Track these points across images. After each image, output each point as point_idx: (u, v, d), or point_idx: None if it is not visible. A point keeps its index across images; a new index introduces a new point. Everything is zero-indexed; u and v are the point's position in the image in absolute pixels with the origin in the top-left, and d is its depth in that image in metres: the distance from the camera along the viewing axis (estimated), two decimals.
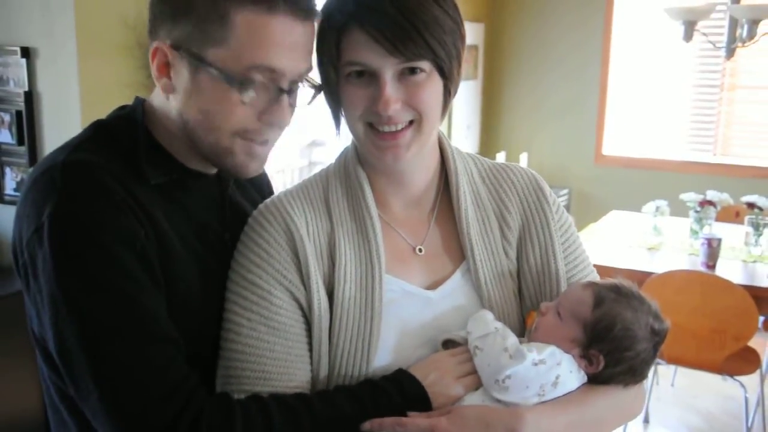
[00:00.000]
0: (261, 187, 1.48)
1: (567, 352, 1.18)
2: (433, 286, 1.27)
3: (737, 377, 3.35)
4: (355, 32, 1.14)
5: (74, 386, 1.08)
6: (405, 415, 1.13)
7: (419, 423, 1.12)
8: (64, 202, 1.07)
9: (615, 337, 1.18)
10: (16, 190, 3.04)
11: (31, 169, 2.96)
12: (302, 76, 1.19)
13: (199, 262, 1.21)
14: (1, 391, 2.78)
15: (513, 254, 1.31)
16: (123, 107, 1.27)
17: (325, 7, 1.20)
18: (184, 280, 1.17)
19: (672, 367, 4.14)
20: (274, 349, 1.17)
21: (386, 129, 1.17)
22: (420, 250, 1.29)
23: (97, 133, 1.21)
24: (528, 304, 1.30)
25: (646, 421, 3.99)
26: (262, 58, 1.12)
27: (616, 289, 1.22)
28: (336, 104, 1.22)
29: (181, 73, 1.15)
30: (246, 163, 1.20)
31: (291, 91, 1.18)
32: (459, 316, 1.25)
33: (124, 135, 1.20)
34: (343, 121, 1.25)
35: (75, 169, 1.10)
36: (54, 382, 1.19)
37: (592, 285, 1.24)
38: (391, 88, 1.15)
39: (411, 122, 1.19)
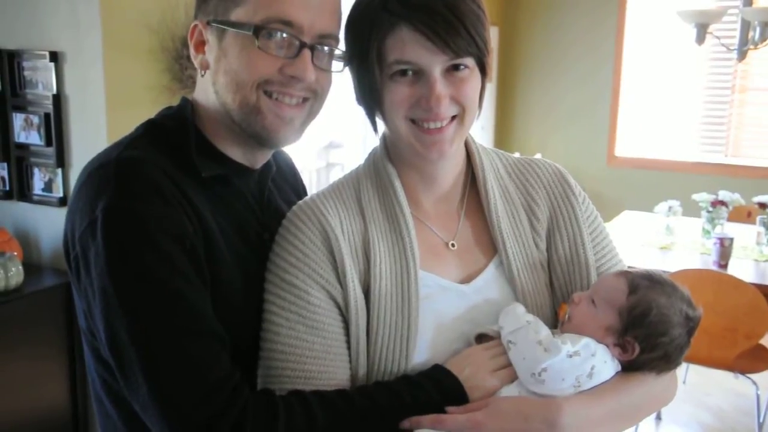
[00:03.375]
0: (297, 187, 1.51)
1: (601, 340, 1.19)
2: (466, 280, 1.28)
3: (749, 375, 3.37)
4: (404, 31, 1.14)
5: (124, 379, 1.09)
6: (443, 410, 1.13)
7: (458, 419, 1.12)
8: (118, 197, 1.08)
9: (651, 323, 1.18)
10: (44, 190, 3.10)
11: (59, 170, 3.03)
12: (326, 37, 1.20)
13: (241, 260, 1.22)
14: (31, 383, 2.84)
15: (543, 246, 1.32)
16: (170, 107, 1.30)
17: (362, 8, 1.20)
18: (227, 278, 1.18)
19: (684, 365, 4.16)
20: (314, 348, 1.18)
21: (432, 125, 1.19)
22: (452, 245, 1.30)
23: (149, 130, 1.24)
24: (559, 295, 1.31)
25: (658, 418, 4.02)
26: (278, 11, 1.15)
27: (650, 277, 1.23)
28: (375, 103, 1.22)
29: (212, 44, 1.21)
30: (276, 125, 1.21)
31: (315, 50, 1.19)
32: (493, 310, 1.25)
33: (174, 131, 1.23)
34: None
35: (128, 165, 1.12)
36: (100, 374, 1.21)
37: (625, 273, 1.26)
38: (440, 85, 1.16)
39: (453, 117, 1.20)
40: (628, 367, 1.21)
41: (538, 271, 1.30)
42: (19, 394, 2.78)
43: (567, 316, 1.24)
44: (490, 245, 1.31)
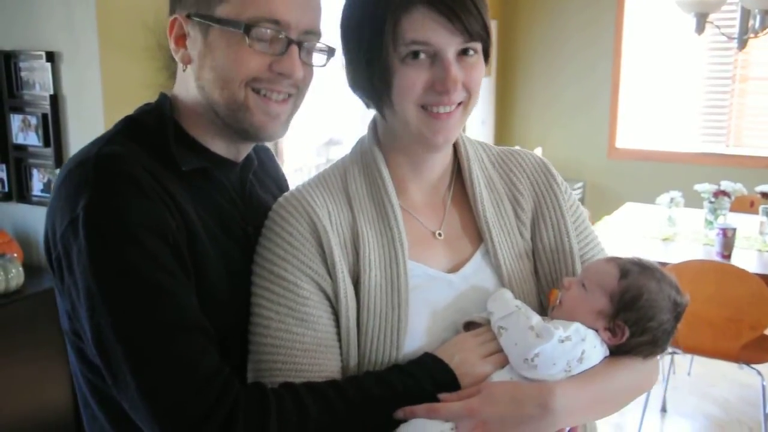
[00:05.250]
0: (279, 180, 1.49)
1: (592, 324, 1.21)
2: (453, 269, 1.28)
3: (754, 365, 3.36)
4: (421, 11, 1.13)
5: (112, 378, 1.08)
6: (435, 398, 1.14)
7: (452, 407, 1.13)
8: (99, 194, 1.07)
9: (641, 307, 1.21)
10: (43, 191, 3.09)
11: (57, 171, 3.02)
12: (310, 33, 1.20)
13: (225, 255, 1.21)
14: (33, 385, 2.83)
15: (528, 235, 1.33)
16: (148, 103, 1.29)
17: None
18: (211, 273, 1.18)
19: (688, 357, 4.15)
20: (304, 340, 1.17)
21: (442, 110, 1.18)
22: (439, 234, 1.30)
23: (127, 126, 1.22)
24: (543, 282, 1.32)
25: (664, 410, 4.01)
26: (266, 10, 1.15)
27: (639, 263, 1.26)
28: (384, 87, 1.19)
29: (195, 39, 1.19)
30: (264, 122, 1.21)
31: (302, 45, 1.19)
32: (480, 298, 1.26)
33: (153, 127, 1.22)
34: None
35: (108, 161, 1.11)
36: (85, 375, 1.20)
37: (615, 259, 1.28)
38: (455, 68, 1.16)
39: (458, 103, 1.20)
40: (616, 351, 1.23)
41: (524, 260, 1.32)
42: (21, 396, 2.78)
43: (558, 300, 1.26)
44: (476, 234, 1.32)
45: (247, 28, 1.14)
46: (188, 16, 1.19)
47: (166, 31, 1.23)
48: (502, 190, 1.35)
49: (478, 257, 1.30)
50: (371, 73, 1.19)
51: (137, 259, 1.06)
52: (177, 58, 1.23)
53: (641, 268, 1.25)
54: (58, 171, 2.93)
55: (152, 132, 1.21)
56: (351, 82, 1.26)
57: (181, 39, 1.22)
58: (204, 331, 1.10)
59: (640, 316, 1.21)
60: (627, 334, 1.21)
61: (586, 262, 1.34)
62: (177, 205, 1.14)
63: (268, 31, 1.16)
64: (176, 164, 1.18)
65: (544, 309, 1.29)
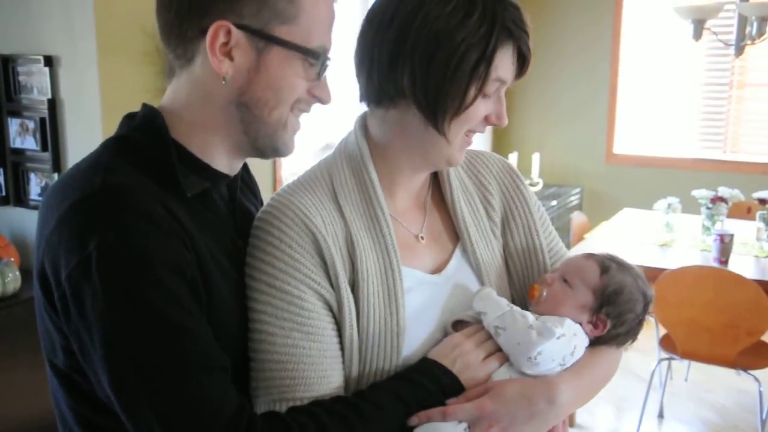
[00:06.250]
0: (254, 188, 1.46)
1: (576, 318, 1.27)
2: (436, 270, 1.32)
3: (751, 371, 3.37)
4: (509, 51, 1.19)
5: (134, 425, 1.04)
6: (443, 403, 1.17)
7: (466, 408, 1.16)
8: (111, 233, 1.00)
9: (622, 301, 1.29)
10: (40, 195, 3.09)
11: (55, 175, 3.02)
12: None
13: (227, 275, 1.17)
14: (31, 388, 2.81)
15: (499, 233, 1.39)
16: (131, 116, 1.19)
17: (478, 15, 1.16)
18: (220, 302, 1.14)
19: (686, 362, 4.16)
20: (311, 354, 1.16)
21: (472, 135, 1.27)
22: (421, 238, 1.33)
23: (123, 149, 1.14)
24: (515, 279, 1.38)
25: (661, 416, 4.01)
26: (326, 39, 1.15)
27: (614, 259, 1.34)
28: (459, 111, 1.19)
29: (246, 53, 1.11)
30: (291, 139, 1.21)
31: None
32: (464, 296, 1.30)
33: (150, 148, 1.14)
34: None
35: (117, 195, 1.04)
36: (73, 408, 1.16)
37: (593, 255, 1.35)
38: None
39: None
40: (596, 342, 1.30)
41: (498, 258, 1.37)
42: (19, 399, 2.76)
43: (543, 295, 1.30)
44: (453, 234, 1.36)
45: (319, 56, 1.14)
46: (240, 27, 1.09)
47: (202, 37, 1.10)
48: (474, 191, 1.39)
49: (457, 257, 1.34)
50: (453, 98, 1.18)
51: (157, 302, 1.02)
52: (220, 69, 1.11)
53: (617, 264, 1.33)
54: (55, 176, 2.96)
55: (149, 153, 1.13)
56: (405, 88, 1.20)
57: (224, 48, 1.10)
58: (224, 369, 1.08)
59: (621, 309, 1.29)
60: (608, 326, 1.29)
61: (552, 259, 1.41)
62: (187, 232, 1.08)
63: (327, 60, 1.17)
64: (179, 187, 1.12)
65: (517, 304, 1.31)
